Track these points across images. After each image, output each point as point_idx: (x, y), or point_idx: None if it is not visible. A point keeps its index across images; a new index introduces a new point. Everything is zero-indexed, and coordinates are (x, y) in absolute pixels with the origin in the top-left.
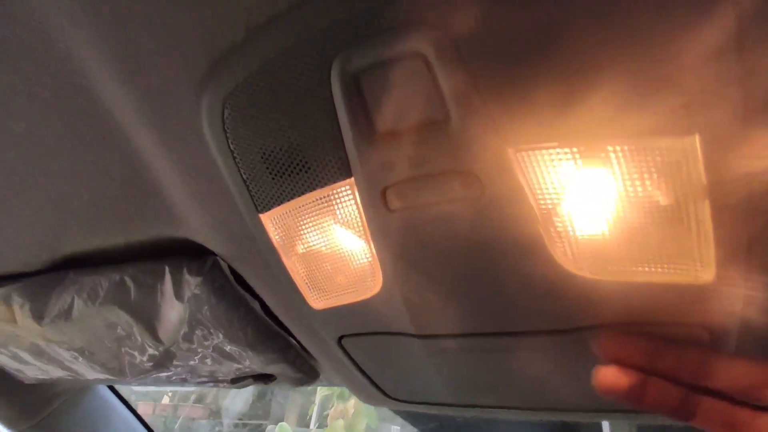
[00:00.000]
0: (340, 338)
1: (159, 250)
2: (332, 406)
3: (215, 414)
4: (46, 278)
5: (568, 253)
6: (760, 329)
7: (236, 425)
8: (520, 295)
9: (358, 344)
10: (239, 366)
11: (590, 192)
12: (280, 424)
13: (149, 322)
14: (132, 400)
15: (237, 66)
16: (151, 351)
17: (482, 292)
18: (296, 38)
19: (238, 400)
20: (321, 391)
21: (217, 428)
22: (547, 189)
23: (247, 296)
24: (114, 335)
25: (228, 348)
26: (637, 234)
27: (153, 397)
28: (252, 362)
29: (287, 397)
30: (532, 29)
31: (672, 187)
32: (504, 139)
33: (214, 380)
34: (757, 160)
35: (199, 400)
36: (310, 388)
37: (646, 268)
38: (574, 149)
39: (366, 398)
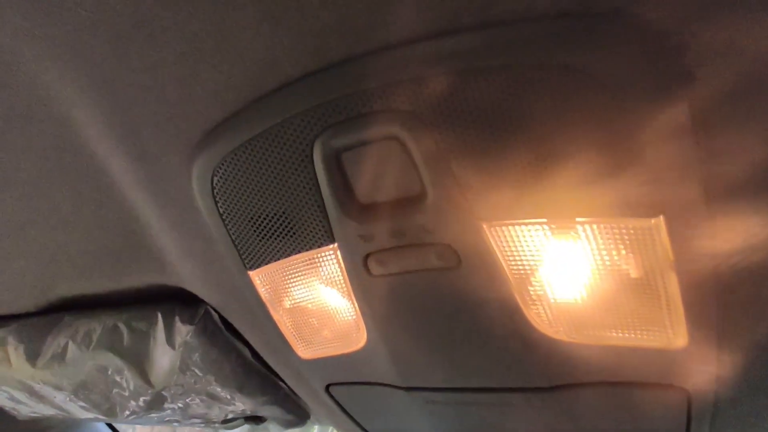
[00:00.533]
0: (328, 386)
1: (152, 296)
2: None
3: None
4: (41, 321)
5: (543, 317)
6: (737, 389)
7: None
8: (499, 354)
9: (346, 392)
10: (230, 408)
11: (563, 261)
12: None
13: (141, 366)
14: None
15: (225, 139)
16: (142, 394)
17: (463, 350)
18: (281, 117)
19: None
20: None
21: None
22: (520, 258)
23: (238, 343)
24: (106, 378)
25: (219, 391)
26: (610, 302)
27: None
28: (243, 405)
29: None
30: (500, 113)
31: (640, 261)
32: (478, 214)
33: (206, 421)
34: (722, 242)
35: None
36: None
37: (620, 333)
38: (545, 226)
39: None
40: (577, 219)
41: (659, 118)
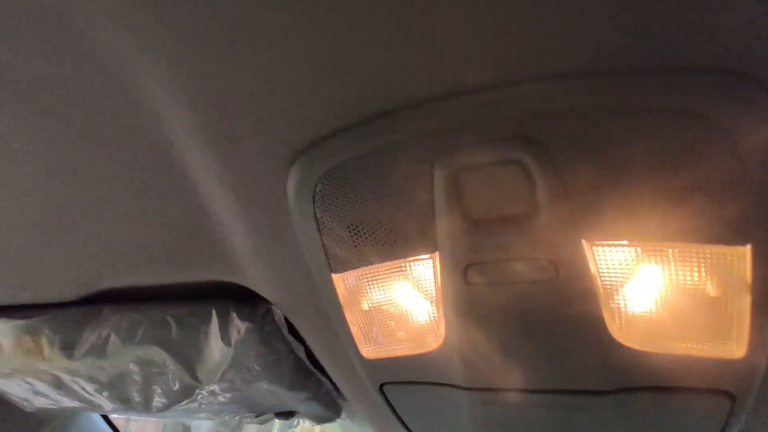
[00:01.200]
0: (382, 385)
1: (205, 292)
2: (297, 425)
3: (172, 428)
4: (78, 312)
5: (622, 328)
6: None
7: None
8: (571, 359)
9: (400, 391)
10: (270, 403)
11: (646, 279)
12: None
13: (188, 362)
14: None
15: (339, 149)
16: (182, 388)
17: (539, 355)
18: (406, 135)
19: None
20: None
21: None
22: (611, 275)
23: (294, 341)
24: (146, 372)
25: (265, 388)
26: (683, 316)
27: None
28: (283, 401)
29: None
30: (623, 149)
31: (720, 283)
32: (583, 235)
33: (241, 415)
34: None
35: None
36: None
37: (687, 344)
38: (639, 248)
39: None
40: (668, 244)
41: (755, 160)
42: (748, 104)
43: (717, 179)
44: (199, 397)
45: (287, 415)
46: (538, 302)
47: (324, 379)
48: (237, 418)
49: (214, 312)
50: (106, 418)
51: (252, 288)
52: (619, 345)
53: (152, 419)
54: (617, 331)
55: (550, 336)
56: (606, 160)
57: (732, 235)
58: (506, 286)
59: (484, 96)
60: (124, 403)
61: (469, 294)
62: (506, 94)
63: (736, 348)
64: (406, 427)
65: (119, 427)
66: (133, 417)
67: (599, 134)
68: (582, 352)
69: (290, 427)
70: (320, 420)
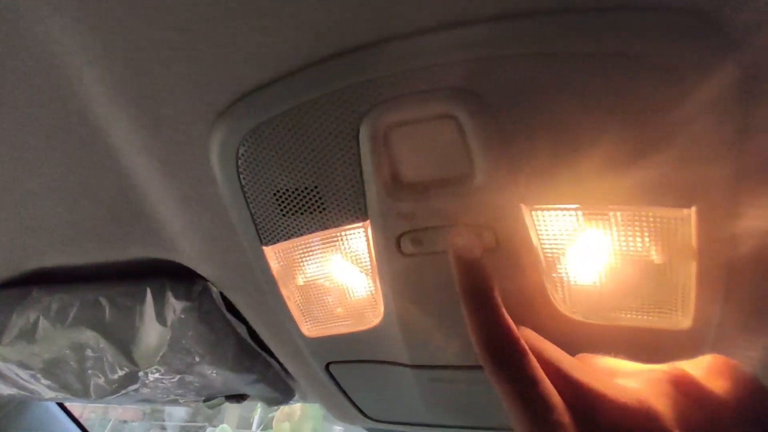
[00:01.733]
0: (328, 364)
1: (139, 271)
2: (278, 409)
3: (150, 416)
4: (4, 294)
5: (565, 299)
6: None
7: (173, 428)
8: None
9: (346, 370)
10: (216, 386)
11: (589, 246)
12: (221, 426)
13: (124, 344)
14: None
15: (261, 107)
16: (121, 373)
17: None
18: (331, 88)
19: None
20: None
21: (151, 430)
22: (552, 242)
23: (235, 321)
24: (81, 356)
25: (206, 370)
26: (628, 285)
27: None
28: (229, 383)
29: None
30: (558, 99)
31: (664, 248)
32: (521, 198)
33: (188, 400)
34: (743, 224)
35: None
36: None
37: (633, 315)
38: (580, 211)
39: (341, 417)
40: (610, 207)
41: (703, 104)
42: (691, 43)
43: (660, 135)
44: (142, 382)
45: (238, 398)
46: None
47: (272, 361)
48: (191, 402)
49: (148, 291)
50: (60, 404)
51: (187, 264)
52: (563, 317)
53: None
54: (561, 303)
55: None
56: (543, 115)
57: (676, 197)
58: (442, 257)
59: (412, 43)
60: (64, 389)
61: (404, 266)
62: (436, 40)
63: (682, 319)
64: (355, 406)
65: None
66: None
67: (535, 85)
68: (525, 325)
69: (269, 412)
70: (272, 402)
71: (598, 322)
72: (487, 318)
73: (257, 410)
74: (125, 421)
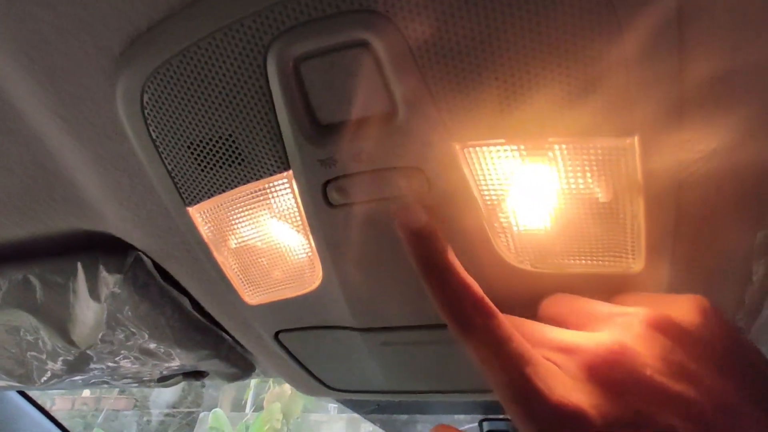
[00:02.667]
0: (277, 333)
1: (69, 245)
2: (268, 390)
3: (141, 405)
4: None
5: (510, 247)
6: None
7: (166, 415)
8: None
9: (296, 338)
10: (167, 364)
11: (533, 187)
12: (214, 410)
13: (60, 324)
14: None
15: (158, 46)
16: (63, 355)
17: (422, 285)
18: (230, 19)
19: (167, 388)
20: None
21: (144, 419)
22: (492, 184)
23: (175, 292)
24: (17, 340)
25: (153, 347)
26: (576, 229)
27: (72, 391)
28: (181, 360)
29: (221, 384)
30: (478, 27)
31: (610, 183)
32: (451, 134)
33: (139, 380)
34: (686, 153)
35: (124, 390)
36: None
37: (583, 261)
38: (520, 146)
39: (304, 390)
40: (550, 139)
41: (645, 32)
42: None
43: (597, 62)
44: (88, 364)
45: (196, 375)
46: None
47: (224, 334)
48: (146, 382)
49: (80, 266)
50: (24, 394)
51: (116, 234)
52: (511, 267)
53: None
54: (506, 251)
55: None
56: (465, 39)
57: (617, 126)
58: (373, 206)
59: None
60: (7, 376)
61: (334, 219)
62: None
63: (634, 261)
64: (315, 377)
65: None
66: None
67: (454, 12)
68: (472, 277)
69: (260, 393)
70: (231, 378)
71: (547, 270)
72: (449, 285)
73: (249, 392)
74: (117, 411)
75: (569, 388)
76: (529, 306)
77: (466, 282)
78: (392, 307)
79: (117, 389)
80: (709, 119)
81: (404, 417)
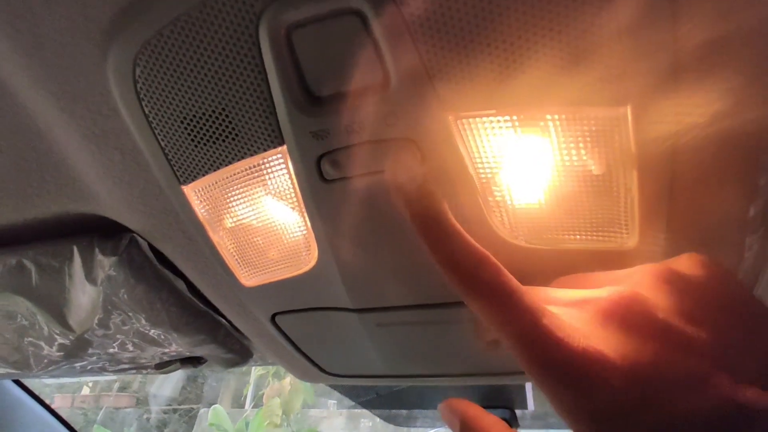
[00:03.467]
0: (274, 316)
1: (64, 228)
2: (268, 385)
3: (143, 402)
4: None
5: (505, 223)
6: None
7: (165, 411)
8: None
9: (293, 321)
10: (164, 350)
11: (527, 162)
12: (213, 406)
13: (56, 308)
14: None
15: (148, 16)
16: (60, 340)
17: (419, 263)
18: None
19: (167, 385)
20: (256, 371)
21: (144, 416)
22: (486, 158)
23: (170, 275)
24: (13, 326)
25: (150, 332)
26: (571, 203)
27: (71, 389)
28: (178, 345)
29: (221, 380)
30: None
31: (604, 155)
32: (444, 105)
33: (137, 367)
34: (679, 121)
35: (124, 388)
36: (244, 368)
37: (578, 236)
38: (514, 117)
39: (301, 375)
40: (545, 110)
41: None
42: None
43: (588, 24)
44: (88, 349)
45: (194, 361)
46: None
47: (220, 319)
48: (143, 369)
49: (75, 249)
50: (21, 385)
51: (110, 216)
52: (505, 243)
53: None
54: (500, 227)
55: None
56: (460, 5)
57: (610, 95)
58: (367, 180)
59: None
60: (5, 363)
61: (329, 194)
62: None
63: (628, 236)
64: (312, 361)
65: None
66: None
67: None
68: None
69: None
70: (229, 364)
71: (542, 246)
72: (451, 242)
73: (248, 388)
74: (118, 408)
75: (588, 336)
76: (523, 283)
77: (467, 238)
78: (388, 286)
79: (117, 387)
80: (703, 87)
81: (404, 412)
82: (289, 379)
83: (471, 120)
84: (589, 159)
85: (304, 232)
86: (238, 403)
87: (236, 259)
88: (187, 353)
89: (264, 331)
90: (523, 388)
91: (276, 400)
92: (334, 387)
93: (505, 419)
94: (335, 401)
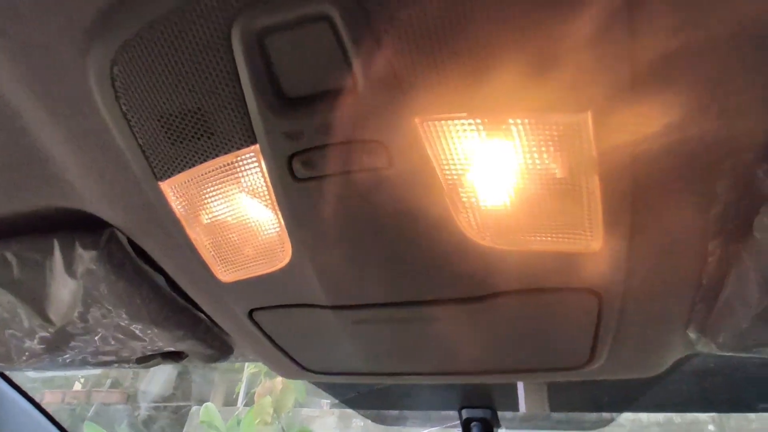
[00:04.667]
0: (251, 312)
1: (46, 223)
2: (260, 384)
3: (134, 398)
4: None
5: (472, 224)
6: (643, 292)
7: (156, 408)
8: (428, 264)
9: (270, 317)
10: (146, 345)
11: (493, 165)
12: (205, 404)
13: (37, 301)
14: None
15: (126, 19)
16: (41, 333)
17: (392, 262)
18: None
19: (158, 381)
20: (248, 369)
21: (136, 413)
22: (453, 160)
23: (150, 270)
24: None
25: (131, 326)
26: (536, 205)
27: (61, 385)
28: (159, 340)
29: (213, 378)
30: (439, 3)
31: (566, 160)
32: (412, 108)
33: (120, 360)
34: (638, 128)
35: (116, 384)
36: (237, 366)
37: (543, 237)
38: (479, 120)
39: (282, 372)
40: (510, 115)
41: (596, 14)
42: None
43: (551, 34)
44: (70, 342)
45: (175, 357)
46: (377, 198)
47: (201, 315)
48: (125, 363)
49: (56, 243)
50: (7, 379)
51: (91, 211)
52: (474, 244)
53: None
54: (468, 227)
55: (399, 240)
56: (423, 14)
57: (571, 102)
58: (338, 179)
59: None
60: None
61: (301, 193)
62: None
63: (592, 239)
64: (291, 358)
65: None
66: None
67: None
68: (435, 255)
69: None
70: (209, 359)
71: (509, 247)
72: None
73: (240, 386)
74: (108, 404)
75: None
76: (490, 283)
77: None
78: (362, 284)
79: (108, 384)
80: (660, 98)
81: (395, 412)
82: (280, 378)
83: (438, 123)
84: (552, 163)
85: (278, 229)
86: (230, 401)
87: (213, 255)
88: (169, 348)
89: (242, 326)
90: (511, 388)
91: (267, 398)
92: (317, 384)
93: (485, 419)
94: (328, 401)
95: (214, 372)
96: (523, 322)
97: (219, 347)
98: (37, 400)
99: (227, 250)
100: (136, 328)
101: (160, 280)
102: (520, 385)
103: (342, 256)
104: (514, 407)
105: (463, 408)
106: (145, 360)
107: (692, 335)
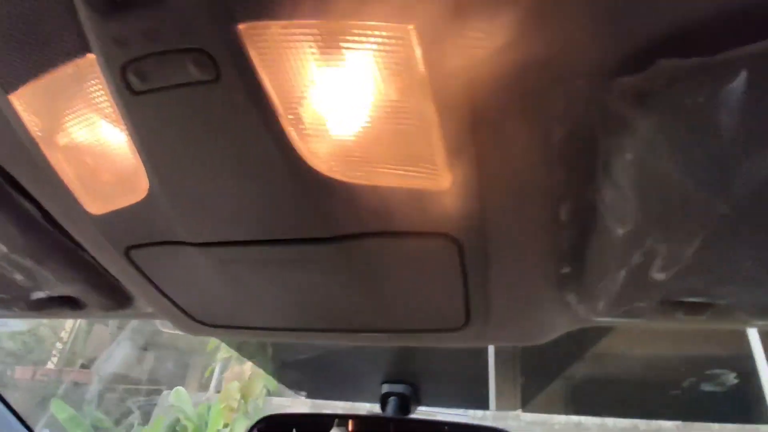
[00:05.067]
0: (127, 250)
1: None
2: (227, 369)
3: (106, 379)
4: None
5: (317, 152)
6: (501, 241)
7: (128, 391)
8: (276, 197)
9: (146, 256)
10: (34, 285)
11: (329, 84)
12: (176, 388)
13: None
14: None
15: None
16: None
17: (240, 192)
18: None
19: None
20: (221, 354)
21: (106, 394)
22: (285, 76)
23: (25, 201)
24: None
25: (17, 260)
26: (376, 131)
27: (34, 361)
28: (49, 282)
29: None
30: None
31: (397, 80)
32: (232, 12)
33: (10, 299)
34: (469, 50)
35: (88, 365)
36: (209, 349)
37: (390, 170)
38: (306, 31)
39: (176, 324)
40: (329, 24)
41: None
42: None
43: None
44: None
45: (72, 304)
46: (210, 115)
47: (86, 256)
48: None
49: None
50: None
51: None
52: (322, 177)
53: None
54: (310, 155)
55: (241, 166)
56: None
57: (393, 11)
58: (173, 94)
59: None
60: None
61: (140, 108)
62: None
63: (439, 174)
64: (174, 303)
65: None
66: None
67: None
68: (280, 187)
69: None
70: (107, 309)
71: (359, 181)
72: None
73: (211, 370)
74: (77, 383)
75: None
76: (342, 222)
77: None
78: (223, 218)
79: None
80: (487, 15)
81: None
82: (250, 364)
83: (262, 31)
84: (383, 82)
85: (129, 152)
86: (206, 386)
87: (75, 183)
88: (59, 292)
89: (123, 268)
90: (482, 385)
91: (234, 383)
92: (227, 343)
93: (404, 394)
94: (304, 392)
95: (189, 356)
96: (386, 273)
97: (114, 296)
98: (8, 373)
99: (87, 177)
100: (22, 264)
101: (34, 210)
102: (492, 384)
103: (195, 184)
104: (484, 405)
105: (384, 382)
106: (39, 307)
107: (571, 300)
